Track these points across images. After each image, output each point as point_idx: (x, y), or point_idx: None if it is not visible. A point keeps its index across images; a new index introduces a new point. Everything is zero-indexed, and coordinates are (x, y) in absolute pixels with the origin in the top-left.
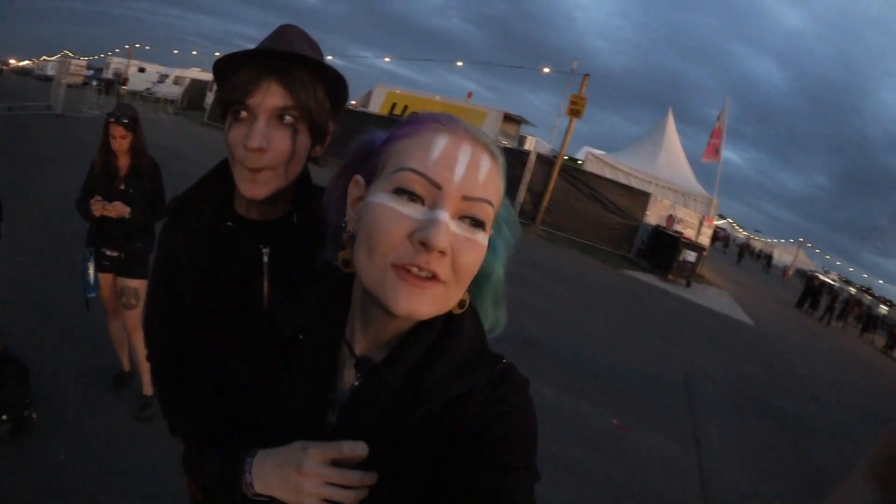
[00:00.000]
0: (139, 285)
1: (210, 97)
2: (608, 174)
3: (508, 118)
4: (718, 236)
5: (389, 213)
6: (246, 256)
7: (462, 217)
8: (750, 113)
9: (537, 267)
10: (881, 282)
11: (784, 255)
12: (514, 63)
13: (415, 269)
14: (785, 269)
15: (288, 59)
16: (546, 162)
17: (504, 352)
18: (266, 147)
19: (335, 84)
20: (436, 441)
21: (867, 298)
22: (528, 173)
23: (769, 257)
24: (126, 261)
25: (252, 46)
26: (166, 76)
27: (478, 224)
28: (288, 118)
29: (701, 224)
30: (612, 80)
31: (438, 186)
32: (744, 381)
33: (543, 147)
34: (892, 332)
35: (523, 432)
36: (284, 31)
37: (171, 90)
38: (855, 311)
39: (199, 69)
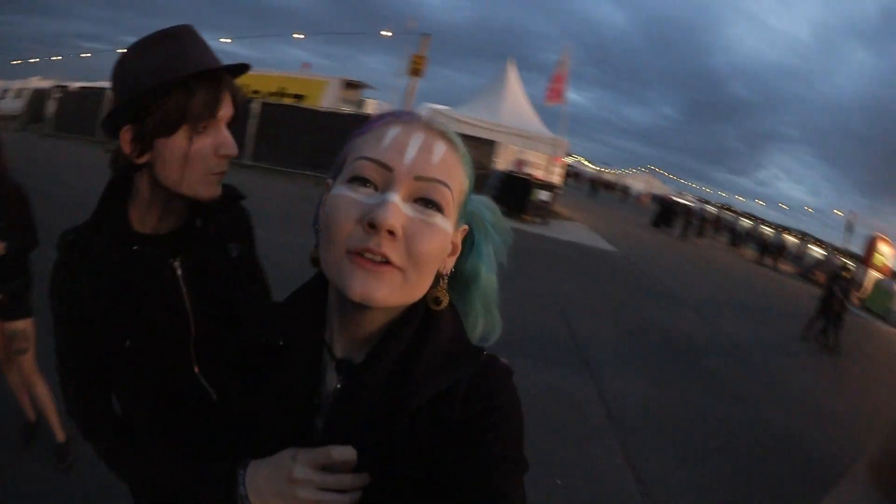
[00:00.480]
0: (27, 325)
1: (51, 106)
2: (454, 129)
3: (349, 84)
4: (569, 173)
5: (342, 200)
6: (158, 274)
7: (416, 199)
8: (592, 55)
9: None
10: (739, 198)
11: (637, 183)
12: (352, 28)
13: (368, 254)
14: (639, 196)
15: (225, 69)
16: None
17: None
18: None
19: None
20: (424, 437)
21: (728, 215)
22: None
23: (625, 188)
24: (7, 302)
25: (103, 47)
26: (6, 90)
27: (433, 206)
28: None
29: (550, 165)
30: (451, 36)
31: (389, 168)
32: (618, 304)
33: (385, 109)
34: (761, 243)
35: (510, 424)
36: (194, 38)
37: (12, 105)
38: (713, 226)
39: (39, 77)
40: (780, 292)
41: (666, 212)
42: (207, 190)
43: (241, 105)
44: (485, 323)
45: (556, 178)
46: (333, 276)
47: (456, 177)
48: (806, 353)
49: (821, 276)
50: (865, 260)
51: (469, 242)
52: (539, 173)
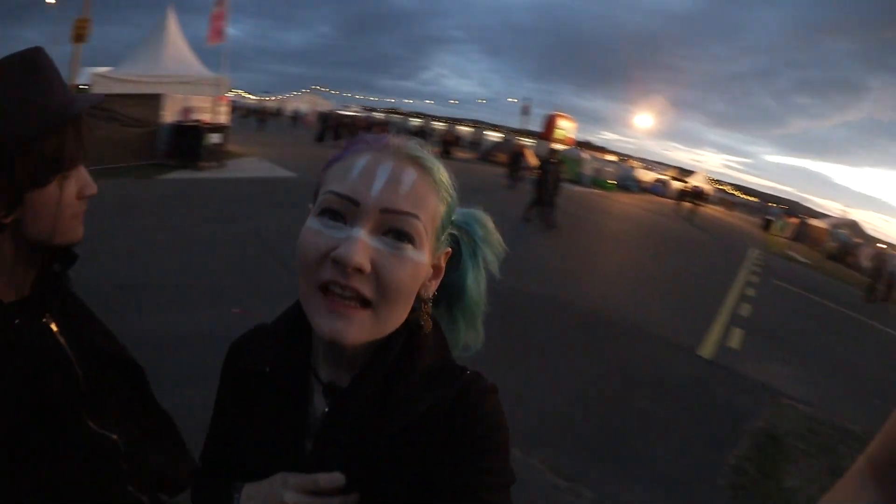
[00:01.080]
0: None
1: None
2: (117, 90)
3: None
4: (233, 108)
5: (312, 234)
6: (41, 340)
7: (386, 232)
8: None
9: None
10: (407, 101)
11: (302, 105)
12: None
13: (336, 289)
14: (305, 117)
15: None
16: None
17: (98, 303)
18: None
19: None
20: (410, 456)
21: (396, 117)
22: None
23: (296, 114)
24: None
25: None
26: None
27: (404, 237)
28: None
29: (216, 105)
30: None
31: (355, 202)
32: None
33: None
34: (443, 140)
35: (494, 437)
36: (53, 67)
37: None
38: (382, 130)
39: None
40: (467, 173)
41: (329, 127)
42: (75, 234)
43: None
44: (468, 336)
45: (223, 117)
46: (306, 310)
47: (428, 205)
48: (531, 231)
49: (501, 157)
50: (547, 136)
51: (456, 259)
52: (207, 117)
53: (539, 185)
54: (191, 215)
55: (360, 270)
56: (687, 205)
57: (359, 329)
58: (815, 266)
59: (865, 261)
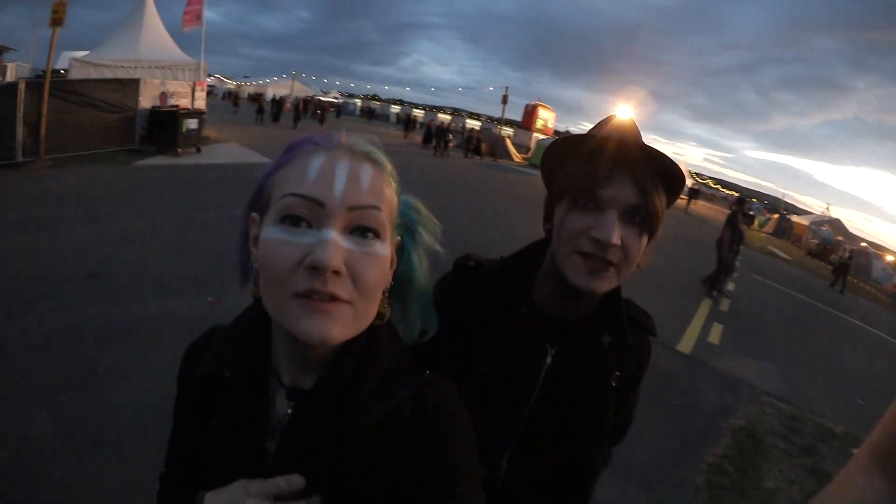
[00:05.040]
0: None
1: None
2: (94, 75)
3: None
4: (210, 93)
5: (278, 244)
6: (527, 351)
7: (353, 229)
8: None
9: (55, 200)
10: (386, 87)
11: (281, 90)
12: None
13: (315, 296)
14: (283, 102)
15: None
16: (35, 87)
17: (69, 291)
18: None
19: None
20: (374, 456)
21: (375, 104)
22: (20, 106)
23: (277, 100)
24: None
25: None
26: None
27: (371, 233)
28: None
29: (194, 90)
30: None
31: (320, 203)
32: None
33: (24, 70)
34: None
35: (459, 434)
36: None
37: None
38: (367, 117)
39: None
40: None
41: (304, 111)
42: (576, 277)
43: None
44: (423, 321)
45: (201, 102)
46: (283, 321)
47: (386, 196)
48: None
49: (485, 147)
50: (527, 125)
51: (401, 248)
52: (184, 102)
53: (723, 245)
54: (167, 202)
55: (337, 273)
56: (682, 199)
57: (342, 324)
58: (795, 262)
59: (836, 254)
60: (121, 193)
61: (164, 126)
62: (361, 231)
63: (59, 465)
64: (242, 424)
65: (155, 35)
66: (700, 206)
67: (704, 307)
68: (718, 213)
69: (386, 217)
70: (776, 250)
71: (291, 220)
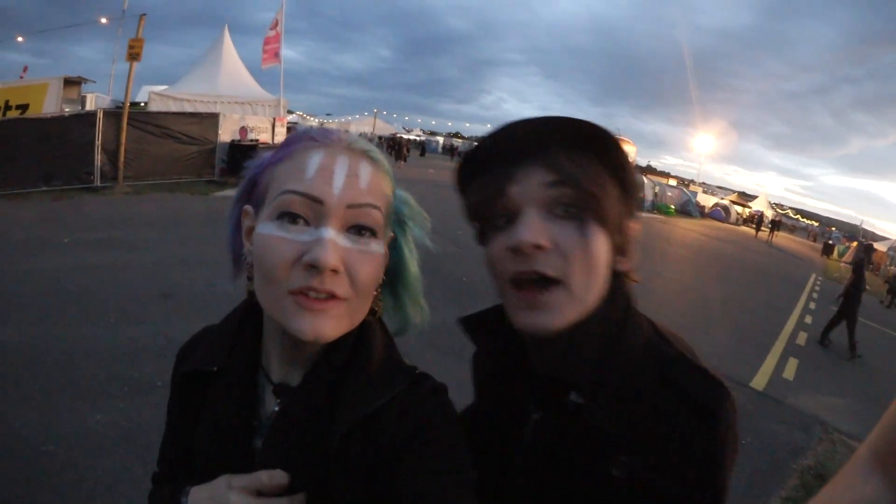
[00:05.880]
0: None
1: None
2: (174, 108)
3: (69, 82)
4: (290, 129)
5: (275, 241)
6: (516, 407)
7: (350, 228)
8: (302, 7)
9: (133, 223)
10: (467, 125)
11: (362, 127)
12: (65, 19)
13: (312, 293)
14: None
15: None
16: (113, 116)
17: (141, 307)
18: None
19: None
20: (362, 455)
21: (458, 142)
22: (99, 134)
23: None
24: None
25: None
26: None
27: (368, 231)
28: None
29: (274, 126)
30: (162, 8)
31: (319, 201)
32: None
33: (104, 101)
34: None
35: (446, 437)
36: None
37: None
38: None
39: None
40: None
41: (393, 147)
42: (516, 315)
43: None
44: (414, 313)
45: (281, 138)
46: (278, 317)
47: (384, 194)
48: None
49: None
50: None
51: (392, 241)
52: (264, 137)
53: (853, 294)
54: None
55: (334, 271)
56: (765, 231)
57: (337, 322)
58: (873, 291)
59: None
60: (196, 220)
61: (244, 159)
62: (358, 229)
63: (106, 463)
64: (231, 421)
65: (233, 71)
66: (781, 237)
67: (781, 341)
68: (800, 246)
69: (383, 215)
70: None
71: (290, 216)
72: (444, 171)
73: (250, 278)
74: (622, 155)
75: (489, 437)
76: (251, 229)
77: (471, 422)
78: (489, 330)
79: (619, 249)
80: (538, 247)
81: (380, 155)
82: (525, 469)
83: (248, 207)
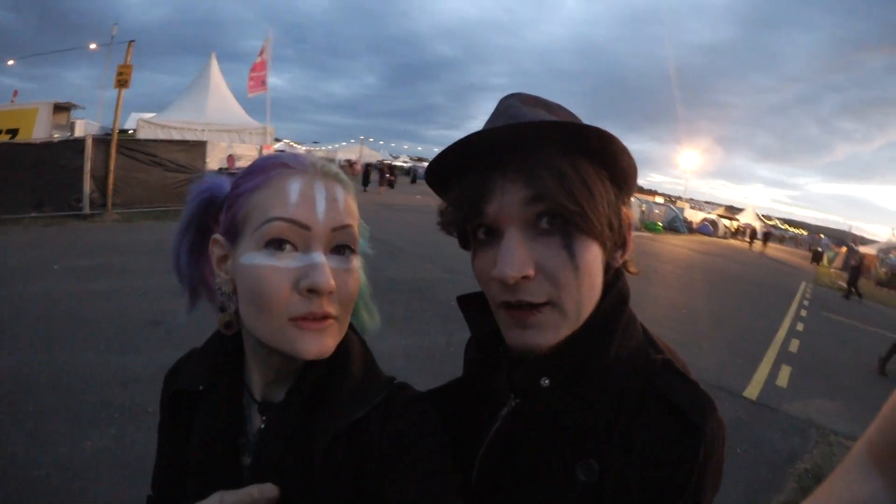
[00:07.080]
0: None
1: None
2: (162, 135)
3: (59, 108)
4: None
5: (267, 271)
6: (493, 397)
7: (334, 249)
8: (291, 35)
9: (123, 250)
10: None
11: (350, 154)
12: (55, 44)
13: (310, 316)
14: (352, 166)
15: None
16: (102, 143)
17: (132, 335)
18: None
19: None
20: (347, 465)
21: None
22: (87, 162)
23: (342, 165)
24: None
25: None
26: None
27: (348, 249)
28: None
29: (261, 153)
30: (151, 35)
31: (307, 227)
32: None
33: (93, 127)
34: None
35: (429, 441)
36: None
37: None
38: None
39: None
40: None
41: (368, 174)
42: (508, 335)
43: None
44: (369, 316)
45: None
46: (276, 343)
47: (356, 215)
48: None
49: None
50: None
51: None
52: None
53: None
54: None
55: (330, 293)
56: (757, 243)
57: (333, 338)
58: (864, 294)
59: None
60: None
61: None
62: (341, 249)
63: (98, 489)
64: (218, 440)
65: (221, 99)
66: (771, 248)
67: (773, 350)
68: (790, 255)
69: (356, 231)
70: (845, 284)
71: (277, 243)
72: (432, 198)
73: (223, 309)
74: (607, 143)
75: (462, 424)
76: (223, 258)
77: (448, 400)
78: (482, 311)
79: (614, 245)
80: (524, 277)
81: (346, 176)
82: (482, 463)
83: (218, 237)
